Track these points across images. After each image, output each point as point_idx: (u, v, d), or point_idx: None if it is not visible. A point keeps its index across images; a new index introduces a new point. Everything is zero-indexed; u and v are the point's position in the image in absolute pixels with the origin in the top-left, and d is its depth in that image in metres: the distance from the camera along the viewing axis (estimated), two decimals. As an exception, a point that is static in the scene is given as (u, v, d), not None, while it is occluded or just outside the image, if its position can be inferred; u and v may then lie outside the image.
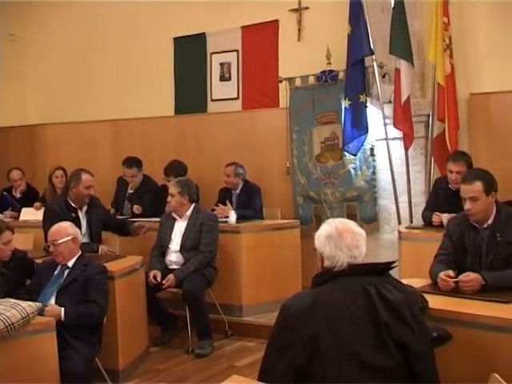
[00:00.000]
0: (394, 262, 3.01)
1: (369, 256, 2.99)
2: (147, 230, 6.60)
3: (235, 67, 8.73)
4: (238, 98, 8.71)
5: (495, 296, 3.72)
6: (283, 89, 8.04)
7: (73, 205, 6.21)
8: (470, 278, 3.84)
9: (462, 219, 4.30)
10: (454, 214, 5.31)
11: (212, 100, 8.92)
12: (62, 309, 4.51)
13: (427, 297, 3.46)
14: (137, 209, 7.74)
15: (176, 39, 9.08)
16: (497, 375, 2.58)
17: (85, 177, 6.21)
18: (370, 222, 7.39)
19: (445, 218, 5.65)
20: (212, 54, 8.89)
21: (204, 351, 5.98)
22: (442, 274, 3.92)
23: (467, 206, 4.15)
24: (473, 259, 4.16)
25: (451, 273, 3.92)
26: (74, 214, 6.14)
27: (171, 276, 6.05)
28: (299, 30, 8.11)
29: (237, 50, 8.69)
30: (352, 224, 2.98)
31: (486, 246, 4.14)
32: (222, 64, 8.83)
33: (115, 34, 9.42)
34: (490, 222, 4.16)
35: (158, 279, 6.05)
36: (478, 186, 4.13)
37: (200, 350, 5.99)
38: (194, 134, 8.84)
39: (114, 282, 5.18)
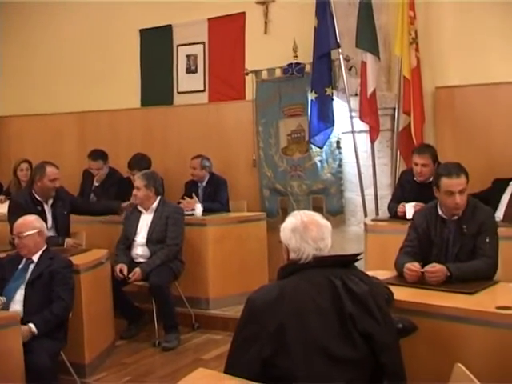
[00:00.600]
0: (359, 254, 3.02)
1: (335, 248, 3.01)
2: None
3: (201, 59, 8.69)
4: (204, 91, 8.67)
5: (460, 287, 3.76)
6: (250, 81, 8.03)
7: (38, 198, 6.15)
8: (436, 269, 3.87)
9: (428, 211, 4.34)
10: (415, 203, 5.39)
11: (178, 92, 8.87)
12: (32, 325, 4.44)
13: (393, 288, 3.47)
14: None
15: (142, 31, 9.01)
16: (461, 365, 2.60)
17: (49, 170, 6.14)
18: (336, 214, 7.42)
19: (408, 206, 5.70)
20: (178, 46, 8.84)
21: (171, 344, 5.96)
22: (408, 265, 3.96)
23: (457, 199, 4.12)
24: (438, 251, 4.19)
25: (416, 264, 3.96)
26: (39, 208, 6.08)
27: (137, 270, 6.02)
28: (266, 22, 8.09)
29: (203, 43, 8.64)
30: (317, 216, 2.99)
31: (452, 238, 4.17)
32: (188, 56, 8.79)
33: (81, 26, 9.33)
34: (459, 213, 4.20)
35: (125, 273, 6.02)
36: (464, 178, 4.16)
37: (166, 343, 5.97)
38: (160, 127, 8.81)
39: (79, 275, 5.13)
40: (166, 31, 8.85)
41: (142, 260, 6.23)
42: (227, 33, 8.41)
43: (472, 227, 4.13)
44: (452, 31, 6.99)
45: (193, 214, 6.94)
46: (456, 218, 4.19)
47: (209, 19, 8.50)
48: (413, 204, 5.66)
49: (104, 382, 5.22)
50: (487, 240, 4.06)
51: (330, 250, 2.93)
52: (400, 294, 3.57)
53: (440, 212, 4.26)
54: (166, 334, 6.05)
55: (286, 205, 7.70)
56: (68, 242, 6.09)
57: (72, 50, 9.43)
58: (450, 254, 4.14)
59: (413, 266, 3.93)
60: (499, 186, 6.27)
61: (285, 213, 7.26)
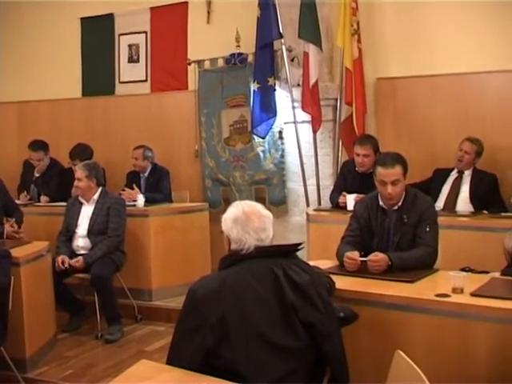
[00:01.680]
0: (300, 244, 3.03)
1: (278, 238, 3.02)
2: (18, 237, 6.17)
3: (144, 49, 8.62)
4: (146, 81, 8.61)
5: (401, 276, 3.81)
6: (192, 71, 8.00)
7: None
8: (379, 258, 3.91)
9: (369, 202, 4.37)
10: (356, 195, 5.45)
11: (120, 82, 8.79)
12: None
13: (334, 278, 3.51)
14: (45, 200, 7.56)
15: (83, 20, 8.88)
16: (401, 352, 2.65)
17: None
18: (279, 204, 7.46)
19: (349, 197, 5.76)
20: (120, 35, 8.75)
21: (113, 337, 5.91)
22: (348, 253, 3.99)
23: (389, 189, 4.17)
24: (379, 240, 4.24)
25: (356, 253, 3.99)
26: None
27: (80, 257, 5.97)
28: (209, 12, 8.05)
29: (145, 32, 8.57)
30: (259, 206, 2.98)
31: (393, 227, 4.23)
32: (130, 46, 8.70)
33: (21, 14, 9.14)
34: (399, 203, 4.25)
35: (66, 265, 5.94)
36: (399, 169, 4.21)
37: (109, 335, 5.92)
38: (102, 117, 8.72)
39: (19, 268, 5.03)
40: (107, 20, 8.75)
41: (83, 252, 6.15)
42: (170, 22, 8.35)
43: (412, 217, 4.18)
44: (394, 23, 7.06)
45: (135, 205, 6.88)
46: (396, 207, 4.25)
47: (151, 8, 8.44)
48: (353, 196, 5.71)
49: (45, 377, 5.12)
50: (427, 229, 4.13)
51: (273, 239, 2.93)
52: (341, 283, 3.61)
53: (380, 202, 4.31)
54: (109, 327, 5.99)
55: (228, 195, 7.71)
56: (7, 229, 5.95)
57: (12, 38, 9.24)
58: (391, 244, 4.20)
59: (352, 255, 3.96)
60: (440, 175, 6.39)
61: (227, 203, 7.16)
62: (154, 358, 4.98)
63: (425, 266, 4.04)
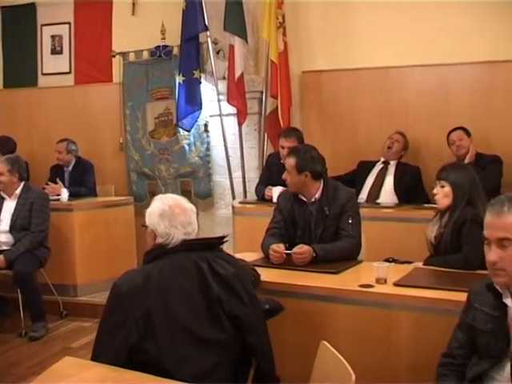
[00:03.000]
0: (225, 237, 3.04)
1: (204, 231, 3.02)
2: None
3: (67, 40, 8.48)
4: (70, 73, 8.48)
5: (325, 267, 3.85)
6: (117, 63, 7.94)
7: None
8: (303, 250, 3.94)
9: (291, 194, 4.40)
10: (281, 187, 5.49)
11: (43, 74, 8.63)
12: None
13: (259, 270, 3.53)
14: None
15: (4, 9, 8.68)
16: (326, 343, 2.68)
17: None
18: (205, 197, 7.47)
19: (275, 190, 5.79)
20: (43, 25, 8.57)
21: (38, 334, 5.81)
22: (273, 246, 4.01)
23: (284, 175, 4.36)
24: (303, 233, 4.28)
25: (281, 246, 4.02)
26: None
27: (1, 257, 5.83)
28: (134, 4, 7.96)
29: (69, 23, 8.42)
30: (183, 200, 2.97)
31: (314, 220, 4.26)
32: (53, 36, 8.55)
33: None
34: (317, 196, 4.29)
35: (-13, 261, 5.81)
36: (291, 161, 4.29)
37: (33, 332, 5.81)
38: (25, 109, 8.55)
39: None
40: (29, 10, 8.56)
41: (5, 248, 6.01)
42: (94, 13, 8.24)
43: (334, 209, 4.23)
44: (319, 17, 7.12)
45: (59, 200, 6.77)
46: (313, 200, 4.29)
47: (75, -2, 8.31)
48: (279, 188, 5.74)
49: (-33, 377, 5.04)
50: (349, 221, 4.17)
51: (201, 233, 2.93)
52: (267, 275, 3.62)
53: (300, 195, 4.35)
54: (33, 324, 5.88)
55: (154, 189, 7.67)
56: None
57: None
58: (314, 236, 4.23)
59: (277, 248, 3.99)
60: (364, 167, 6.48)
61: (153, 197, 7.15)
62: (80, 354, 4.91)
63: (349, 257, 4.10)
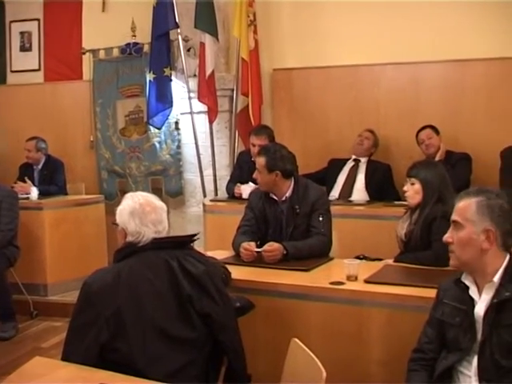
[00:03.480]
0: (195, 235, 3.03)
1: (175, 229, 3.01)
2: None
3: (36, 37, 8.40)
4: (39, 70, 8.41)
5: (296, 265, 3.86)
6: (87, 61, 7.89)
7: None
8: (273, 247, 3.95)
9: (263, 192, 4.40)
10: (253, 185, 5.49)
11: (12, 71, 8.54)
12: None
13: (230, 268, 3.54)
14: None
15: (-30, 5, 8.61)
16: (297, 340, 2.69)
17: None
18: (176, 195, 7.45)
19: (245, 188, 5.80)
20: (11, 22, 8.49)
21: (7, 334, 5.75)
22: (244, 244, 4.02)
23: (254, 174, 4.42)
24: (274, 230, 4.29)
25: (252, 244, 4.02)
26: None
27: (-31, 255, 5.79)
28: (104, 1, 7.90)
29: (38, 19, 8.35)
30: (153, 198, 2.96)
31: (285, 218, 4.27)
32: (22, 33, 8.46)
33: None
34: (287, 195, 4.30)
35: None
36: (261, 160, 4.31)
37: (3, 333, 5.75)
38: (-7, 107, 8.46)
39: None
40: (-3, 6, 8.49)
41: (-27, 247, 5.97)
42: (64, 10, 8.16)
43: (304, 207, 4.24)
44: (290, 15, 7.13)
45: (28, 198, 6.71)
46: (284, 198, 4.30)
47: (44, -6, 8.24)
48: (249, 185, 5.75)
49: None
50: (320, 219, 4.19)
51: (170, 231, 2.92)
52: (238, 273, 3.63)
53: (271, 194, 4.36)
54: (3, 324, 5.82)
55: (124, 187, 7.63)
56: None
57: None
58: (285, 234, 4.25)
59: (248, 246, 3.99)
60: (335, 165, 6.51)
61: (123, 195, 7.14)
62: (51, 354, 4.86)
63: (320, 254, 4.11)
